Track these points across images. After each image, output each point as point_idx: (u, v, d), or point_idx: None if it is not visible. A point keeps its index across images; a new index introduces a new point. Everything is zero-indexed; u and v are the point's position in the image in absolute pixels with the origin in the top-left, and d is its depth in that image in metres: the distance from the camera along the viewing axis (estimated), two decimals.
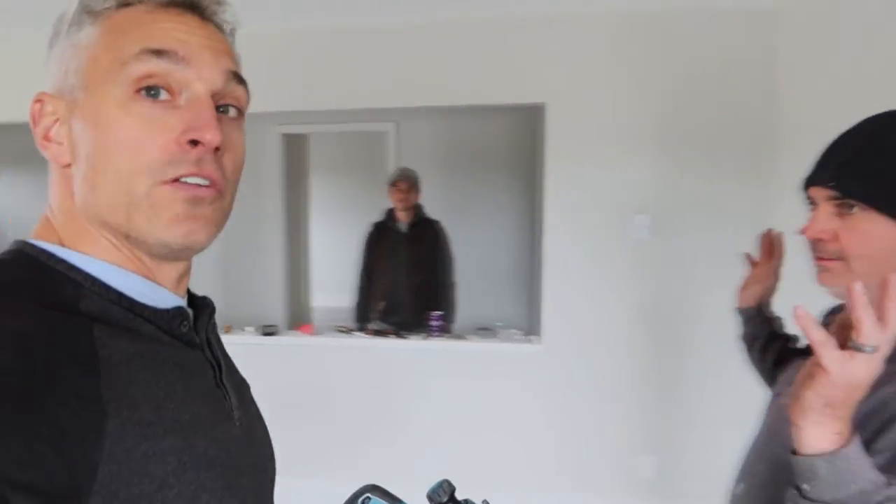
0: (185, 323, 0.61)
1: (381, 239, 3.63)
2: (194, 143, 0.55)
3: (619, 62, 2.87)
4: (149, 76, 0.55)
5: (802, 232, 0.91)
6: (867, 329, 0.66)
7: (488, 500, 0.81)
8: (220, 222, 0.59)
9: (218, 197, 0.58)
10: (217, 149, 0.56)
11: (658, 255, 2.94)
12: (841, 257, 0.86)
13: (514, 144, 4.23)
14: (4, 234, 5.34)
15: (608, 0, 2.69)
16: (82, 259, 0.57)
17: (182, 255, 0.60)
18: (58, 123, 0.57)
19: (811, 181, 0.91)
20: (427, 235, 3.62)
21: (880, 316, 0.67)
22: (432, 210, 3.73)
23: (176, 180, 0.55)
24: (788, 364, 1.13)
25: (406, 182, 3.53)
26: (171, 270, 0.61)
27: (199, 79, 0.56)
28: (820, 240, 0.88)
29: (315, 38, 3.04)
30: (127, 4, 0.56)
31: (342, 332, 3.29)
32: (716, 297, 2.90)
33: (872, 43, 2.14)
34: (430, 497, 0.80)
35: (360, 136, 6.44)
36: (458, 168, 4.36)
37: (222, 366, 0.64)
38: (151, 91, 0.55)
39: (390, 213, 3.64)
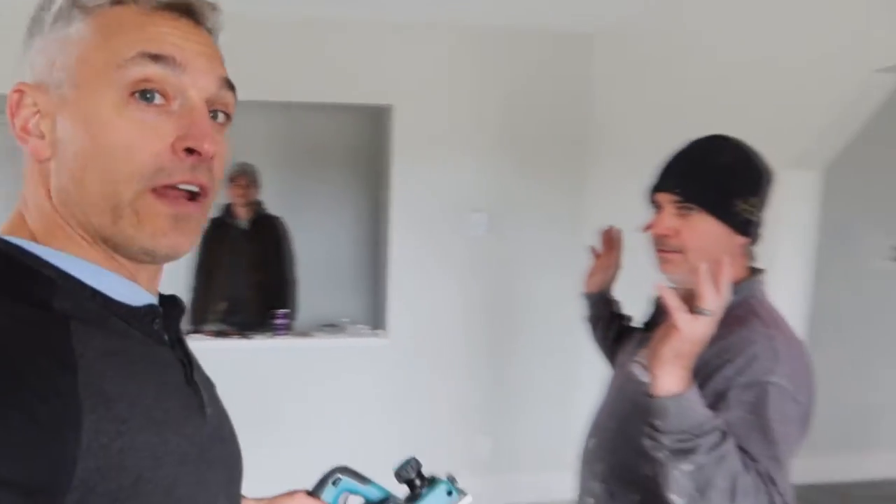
0: (157, 321, 0.61)
1: (220, 236, 3.49)
2: (189, 151, 0.55)
3: (460, 71, 3.08)
4: (145, 80, 0.54)
5: (647, 228, 1.14)
6: (710, 297, 0.88)
7: (452, 474, 0.85)
8: (202, 227, 0.61)
9: (205, 203, 0.59)
10: (212, 157, 0.57)
11: (493, 251, 3.19)
12: (680, 250, 1.10)
13: (357, 143, 4.29)
14: None
15: (452, 14, 2.86)
16: (54, 255, 0.55)
17: (164, 261, 0.61)
18: (38, 116, 0.56)
19: (658, 188, 1.14)
20: (268, 232, 3.57)
21: (716, 289, 0.89)
22: (272, 206, 3.68)
23: (165, 188, 0.56)
24: (626, 340, 1.37)
25: (245, 177, 3.45)
26: (144, 270, 0.61)
27: (194, 86, 0.56)
28: (665, 235, 1.11)
29: None
30: (120, 2, 0.56)
31: None
32: (543, 288, 3.24)
33: (670, 67, 2.54)
34: (397, 474, 0.84)
35: None
36: (299, 164, 4.32)
37: (193, 364, 0.65)
38: (146, 95, 0.55)
39: (228, 210, 3.53)
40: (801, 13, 1.82)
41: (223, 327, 3.30)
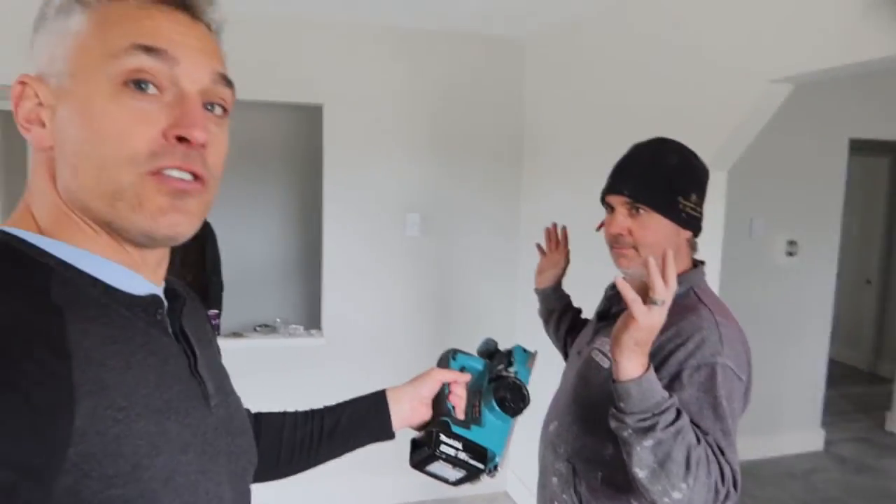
0: (161, 311, 0.62)
1: None
2: (181, 139, 0.57)
3: (393, 72, 3.10)
4: (139, 71, 0.56)
5: (601, 228, 1.22)
6: (659, 288, 0.97)
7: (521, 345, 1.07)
8: (202, 214, 0.62)
9: (203, 191, 0.60)
10: (202, 146, 0.59)
11: (429, 252, 3.24)
12: (634, 246, 1.19)
13: (293, 142, 4.23)
14: None
15: (386, 15, 2.89)
16: (54, 244, 0.57)
17: (164, 243, 0.62)
18: (41, 107, 0.58)
19: (610, 190, 1.22)
20: (196, 234, 3.46)
21: (664, 280, 0.97)
22: None
23: (159, 172, 0.57)
24: (578, 330, 1.45)
25: None
26: (149, 257, 0.62)
27: (187, 77, 0.58)
28: (620, 234, 1.19)
29: None
30: None
31: None
32: (480, 289, 3.32)
33: (595, 73, 2.68)
34: (482, 352, 1.05)
35: None
36: (233, 163, 4.21)
37: (197, 355, 0.65)
38: (140, 84, 0.56)
39: None
40: (710, 25, 1.99)
41: None
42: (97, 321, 0.55)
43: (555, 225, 1.64)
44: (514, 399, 0.94)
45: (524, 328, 3.31)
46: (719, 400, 1.07)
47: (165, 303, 0.64)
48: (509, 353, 1.03)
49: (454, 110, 3.20)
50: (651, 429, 0.99)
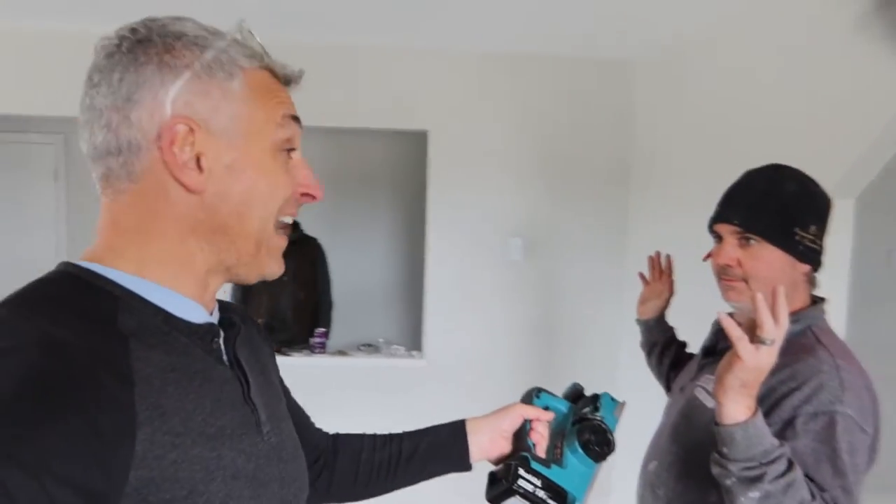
0: (217, 339, 0.66)
1: None
2: (305, 195, 0.68)
3: (496, 97, 3.12)
4: (291, 140, 0.66)
5: (708, 257, 1.16)
6: (769, 327, 0.89)
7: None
8: None
9: None
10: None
11: (531, 277, 3.20)
12: (744, 279, 1.11)
13: (400, 166, 4.36)
14: None
15: (487, 41, 2.92)
16: (122, 276, 0.60)
17: (257, 281, 0.69)
18: (195, 151, 0.61)
19: (719, 219, 1.15)
20: (307, 253, 3.64)
21: (775, 318, 0.89)
22: (311, 227, 3.75)
23: (279, 221, 0.66)
24: (683, 365, 1.37)
25: None
26: (215, 288, 0.67)
27: (299, 143, 0.69)
28: (728, 265, 1.12)
29: None
30: (262, 67, 0.65)
31: None
32: (583, 316, 3.23)
33: (711, 95, 2.56)
34: (568, 395, 1.02)
35: None
36: (339, 186, 4.41)
37: (250, 382, 0.67)
38: (290, 150, 0.67)
39: None
40: (839, 45, 1.83)
41: None
42: (158, 348, 0.58)
43: (658, 253, 1.56)
44: (598, 443, 0.90)
45: (630, 358, 3.17)
46: (839, 452, 0.97)
47: (221, 332, 0.67)
48: (596, 398, 1.00)
49: (559, 134, 3.16)
50: (758, 479, 0.91)
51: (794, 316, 1.10)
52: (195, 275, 0.64)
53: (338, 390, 3.15)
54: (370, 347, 3.34)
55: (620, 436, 0.94)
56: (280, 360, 2.78)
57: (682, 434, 1.19)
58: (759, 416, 0.94)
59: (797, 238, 1.09)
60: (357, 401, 3.14)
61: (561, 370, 3.25)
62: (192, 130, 0.60)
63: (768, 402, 1.01)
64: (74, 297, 0.58)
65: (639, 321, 1.58)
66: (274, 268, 0.67)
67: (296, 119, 0.67)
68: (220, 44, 0.62)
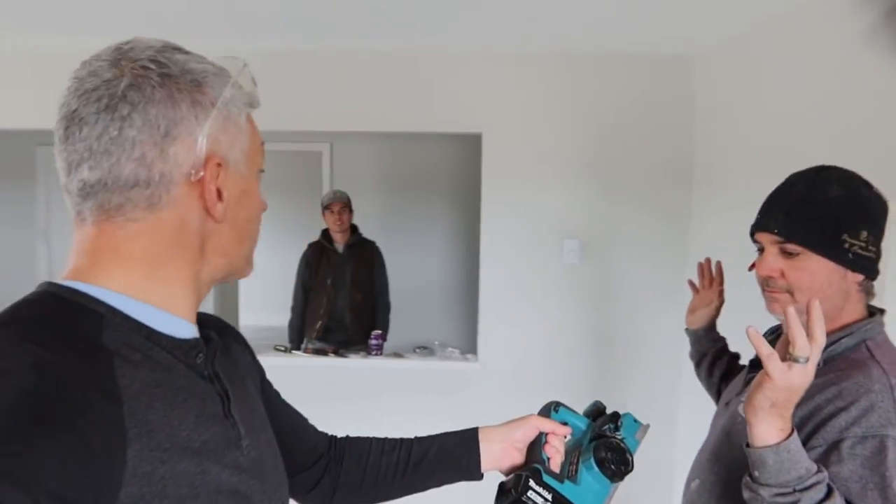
0: (200, 355, 0.67)
1: (319, 259, 3.66)
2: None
3: (549, 97, 3.07)
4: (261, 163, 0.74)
5: (752, 269, 1.10)
6: (801, 343, 0.84)
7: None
8: None
9: None
10: None
11: (587, 279, 3.14)
12: (788, 290, 1.04)
13: (454, 169, 4.37)
14: None
15: (542, 40, 2.87)
16: (105, 293, 0.61)
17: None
18: (224, 188, 0.66)
19: (759, 227, 1.09)
20: (365, 256, 3.69)
21: (809, 334, 0.84)
22: (368, 230, 3.81)
23: None
24: (733, 378, 1.31)
25: (339, 204, 3.59)
26: (196, 302, 0.69)
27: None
28: (770, 276, 1.06)
29: (252, 57, 3.04)
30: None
31: (280, 350, 3.29)
32: (642, 321, 3.14)
33: (775, 90, 2.43)
34: (589, 413, 1.01)
35: (294, 156, 6.43)
36: (396, 189, 4.46)
37: (230, 396, 0.68)
38: (261, 173, 0.74)
39: (326, 234, 3.68)
40: None
41: (321, 346, 3.43)
42: (142, 365, 0.59)
43: (708, 260, 1.50)
44: (615, 461, 0.87)
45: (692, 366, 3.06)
46: (889, 481, 0.89)
47: (204, 346, 0.68)
48: (617, 416, 0.97)
49: (616, 133, 3.08)
50: None
51: (847, 329, 1.03)
52: (192, 293, 0.67)
53: (393, 392, 3.18)
54: (425, 350, 3.36)
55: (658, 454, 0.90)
56: (336, 361, 2.86)
57: (724, 453, 1.13)
58: (794, 438, 0.88)
59: (846, 246, 1.01)
60: (411, 403, 3.16)
61: (618, 377, 3.17)
62: (220, 166, 0.65)
63: (812, 422, 0.95)
64: (58, 316, 0.59)
65: (687, 331, 1.52)
66: (250, 270, 0.75)
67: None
68: (228, 82, 0.66)
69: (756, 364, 1.19)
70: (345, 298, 3.61)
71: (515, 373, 3.15)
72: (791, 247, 1.04)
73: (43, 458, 0.47)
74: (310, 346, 3.41)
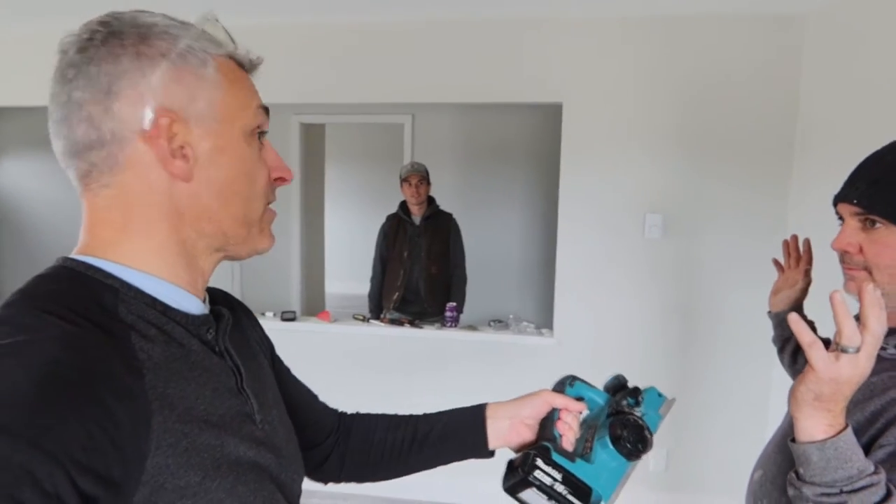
0: (211, 330, 0.67)
1: (396, 231, 3.69)
2: (277, 179, 0.71)
3: (635, 64, 2.91)
4: (261, 126, 0.69)
5: (832, 244, 1.00)
6: (848, 332, 0.75)
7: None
8: None
9: None
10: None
11: (670, 255, 2.99)
12: (866, 268, 0.94)
13: (534, 140, 4.27)
14: (6, 218, 5.42)
15: (625, 4, 2.72)
16: (117, 267, 0.61)
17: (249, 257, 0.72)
18: (179, 142, 0.62)
19: (840, 198, 0.99)
20: (441, 228, 3.69)
21: (862, 321, 0.75)
22: (447, 202, 3.80)
23: (268, 205, 0.71)
24: None
25: (417, 176, 3.59)
26: (208, 274, 0.69)
27: (267, 130, 0.71)
28: (847, 251, 0.96)
29: (335, 32, 3.09)
30: (229, 56, 0.67)
31: (359, 320, 3.37)
32: (731, 298, 2.97)
33: (892, 51, 2.18)
34: (609, 387, 0.95)
35: (377, 127, 6.51)
36: (476, 161, 4.41)
37: (242, 372, 0.68)
38: (261, 137, 0.69)
39: (404, 206, 3.70)
40: None
41: (397, 316, 3.48)
42: (158, 340, 0.60)
43: (795, 237, 1.37)
44: (631, 439, 0.82)
45: None
46: None
47: (214, 322, 0.68)
48: (638, 391, 0.91)
49: (708, 100, 2.88)
50: None
51: None
52: (188, 263, 0.65)
53: (466, 363, 3.19)
54: (500, 324, 3.33)
55: None
56: (411, 331, 2.92)
57: (788, 443, 1.04)
58: (846, 435, 0.79)
59: None
60: (484, 376, 3.16)
61: (703, 356, 3.02)
62: (174, 120, 0.61)
63: (885, 418, 0.85)
64: (76, 290, 0.59)
65: (770, 314, 1.40)
66: (266, 243, 0.71)
67: (265, 108, 0.69)
68: (192, 32, 0.63)
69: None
70: (420, 270, 3.63)
71: (591, 350, 3.07)
72: (873, 219, 0.92)
73: (71, 430, 0.48)
74: (387, 316, 3.47)
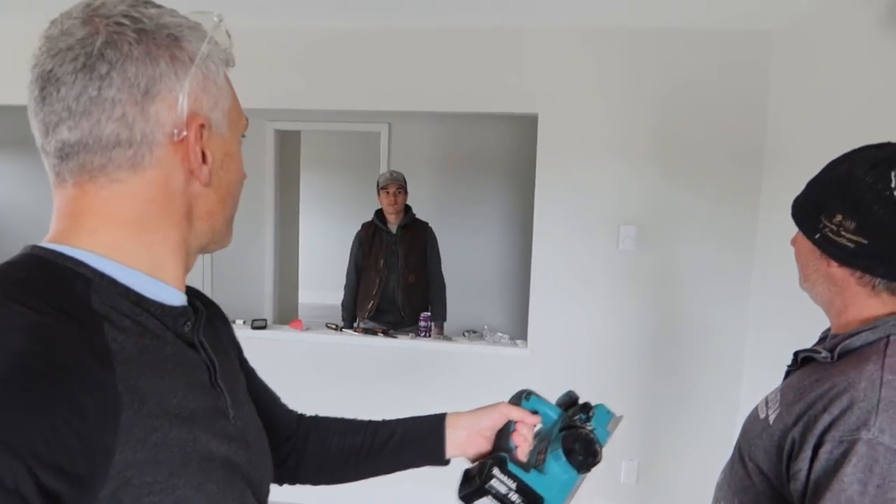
0: (188, 323, 0.65)
1: (372, 239, 3.67)
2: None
3: (608, 77, 2.94)
4: (245, 127, 0.72)
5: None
6: None
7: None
8: None
9: None
10: None
11: (643, 266, 3.01)
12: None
13: (510, 151, 4.29)
14: None
15: (601, 17, 2.75)
16: (91, 256, 0.59)
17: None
18: (208, 149, 0.64)
19: None
20: (418, 237, 3.67)
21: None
22: (423, 212, 3.79)
23: None
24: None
25: (395, 185, 3.58)
26: (190, 265, 0.69)
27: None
28: (793, 246, 1.06)
29: (311, 37, 3.07)
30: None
31: (332, 329, 3.33)
32: (702, 309, 3.00)
33: (859, 69, 2.23)
34: (561, 403, 0.99)
35: (353, 136, 6.47)
36: (452, 171, 4.42)
37: (216, 367, 0.67)
38: (241, 138, 0.72)
39: (380, 215, 3.68)
40: None
41: (372, 325, 3.45)
42: (131, 331, 0.58)
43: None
44: (583, 452, 0.86)
45: (755, 354, 2.90)
46: (841, 495, 0.78)
47: (192, 314, 0.67)
48: (589, 407, 0.96)
49: (681, 114, 2.92)
50: None
51: (871, 323, 0.93)
52: (181, 259, 0.66)
53: (440, 374, 3.17)
54: (474, 334, 3.32)
55: None
56: (384, 341, 2.91)
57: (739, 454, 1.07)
58: None
59: (819, 226, 0.95)
60: (458, 386, 3.14)
61: (675, 368, 3.04)
62: (204, 126, 0.63)
63: (804, 421, 0.87)
64: (46, 279, 0.57)
65: None
66: (230, 239, 0.73)
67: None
68: (206, 37, 0.63)
69: (797, 355, 1.08)
70: (397, 279, 3.61)
71: (565, 361, 3.07)
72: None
73: (35, 424, 0.46)
74: (360, 325, 3.43)
